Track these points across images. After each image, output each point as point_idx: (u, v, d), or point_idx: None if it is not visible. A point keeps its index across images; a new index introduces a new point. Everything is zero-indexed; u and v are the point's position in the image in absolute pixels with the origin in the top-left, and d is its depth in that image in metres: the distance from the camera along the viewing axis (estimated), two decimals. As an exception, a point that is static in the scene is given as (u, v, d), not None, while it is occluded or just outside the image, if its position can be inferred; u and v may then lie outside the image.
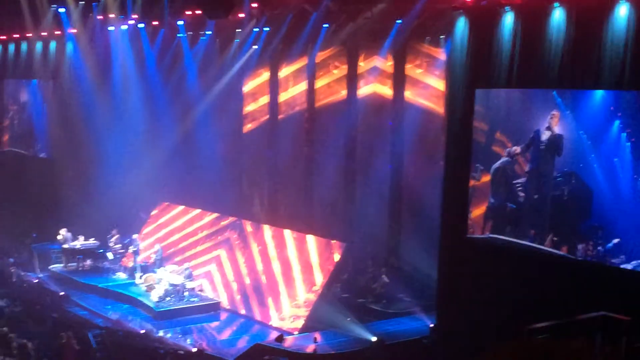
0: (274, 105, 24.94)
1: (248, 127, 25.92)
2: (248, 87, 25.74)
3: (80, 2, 25.08)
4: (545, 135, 15.49)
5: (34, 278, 22.70)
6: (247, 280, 21.06)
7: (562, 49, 15.04)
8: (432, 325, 18.04)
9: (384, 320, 19.17)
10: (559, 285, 15.18)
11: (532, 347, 9.89)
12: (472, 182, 16.94)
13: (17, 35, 30.32)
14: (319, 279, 19.62)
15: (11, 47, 31.23)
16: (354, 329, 18.08)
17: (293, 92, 24.60)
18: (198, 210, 23.91)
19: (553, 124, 15.35)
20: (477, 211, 16.90)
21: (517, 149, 16.02)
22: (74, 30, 27.02)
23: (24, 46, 30.37)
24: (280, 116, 24.92)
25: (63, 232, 23.76)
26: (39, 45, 29.43)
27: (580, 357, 9.69)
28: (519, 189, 16.04)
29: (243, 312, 20.63)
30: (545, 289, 15.26)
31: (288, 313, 19.61)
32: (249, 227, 22.11)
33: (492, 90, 16.55)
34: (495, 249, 16.51)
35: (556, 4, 15.07)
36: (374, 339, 17.37)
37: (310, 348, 17.02)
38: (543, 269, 15.59)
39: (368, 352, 16.99)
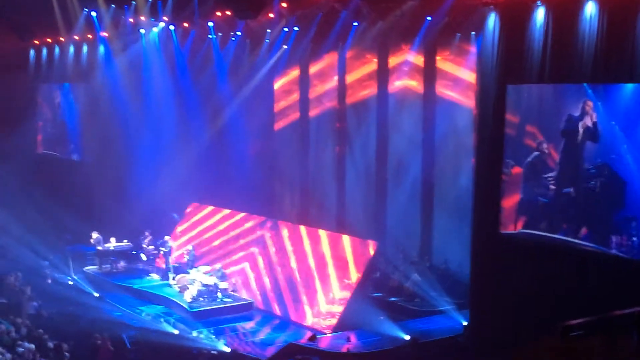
0: (304, 103, 24.96)
1: (279, 124, 25.92)
2: (279, 84, 25.76)
3: (112, 5, 25.26)
4: (579, 124, 15.25)
5: (68, 280, 22.89)
6: (279, 280, 21.06)
7: (594, 43, 14.81)
8: (465, 323, 17.90)
9: (417, 319, 19.10)
10: (593, 280, 14.97)
11: (567, 345, 9.74)
12: (504, 178, 16.77)
13: (50, 40, 30.70)
14: (351, 278, 19.57)
15: (44, 52, 31.64)
16: (387, 327, 18.00)
17: (323, 89, 24.58)
18: (230, 211, 23.97)
19: (587, 111, 15.11)
20: (510, 207, 16.71)
21: (549, 145, 15.81)
22: (106, 33, 27.26)
23: (56, 50, 30.75)
24: (311, 114, 24.91)
25: (95, 235, 23.97)
26: (71, 49, 29.75)
27: (618, 354, 9.53)
28: (551, 182, 15.85)
29: (276, 311, 20.63)
30: (579, 284, 15.06)
31: (322, 310, 19.55)
32: (280, 226, 22.10)
33: (523, 86, 16.38)
34: (528, 245, 16.33)
35: (588, -2, 14.88)
36: (407, 337, 17.28)
37: (343, 347, 16.98)
38: (577, 264, 15.38)
39: (401, 350, 16.91)
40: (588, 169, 15.12)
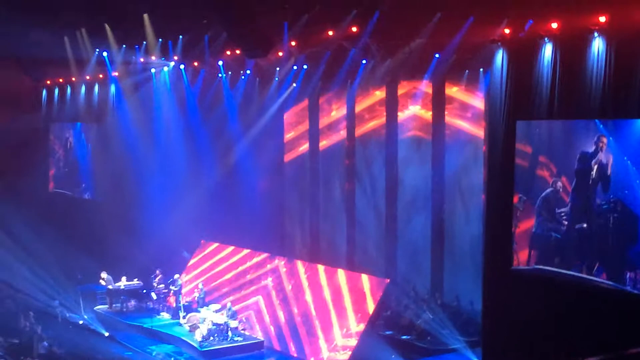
0: (314, 139, 25.03)
1: (289, 162, 25.98)
2: (288, 115, 25.84)
3: (123, 46, 25.54)
4: (592, 161, 15.19)
5: (79, 319, 22.84)
6: (289, 317, 20.95)
7: (602, 79, 14.83)
8: (478, 361, 17.75)
9: (429, 357, 18.91)
10: (608, 317, 14.77)
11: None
12: (516, 214, 16.69)
13: (62, 80, 31.00)
14: (361, 316, 19.44)
15: (56, 91, 31.94)
16: (399, 366, 17.88)
17: (332, 126, 24.67)
18: (241, 248, 23.95)
19: (601, 147, 15.06)
20: (522, 242, 16.61)
21: (559, 182, 15.76)
22: (117, 73, 27.53)
23: (68, 90, 31.04)
24: (320, 150, 24.97)
25: (104, 275, 23.99)
26: (83, 89, 30.04)
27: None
28: (564, 217, 15.75)
29: (286, 351, 20.48)
30: (594, 321, 14.86)
31: (340, 343, 19.42)
32: (290, 265, 22.05)
33: (533, 121, 16.38)
34: (541, 281, 16.18)
35: (596, 34, 14.92)
36: (419, 376, 17.15)
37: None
38: (591, 300, 15.19)
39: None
40: (601, 204, 15.03)
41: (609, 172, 14.84)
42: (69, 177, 31.98)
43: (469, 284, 20.19)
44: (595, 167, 15.11)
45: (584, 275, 15.34)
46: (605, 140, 14.92)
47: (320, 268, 21.31)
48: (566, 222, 15.69)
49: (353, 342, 19.14)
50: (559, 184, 15.77)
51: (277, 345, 20.82)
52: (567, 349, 14.66)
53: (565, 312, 15.51)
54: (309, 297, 20.92)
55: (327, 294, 20.53)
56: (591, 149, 15.17)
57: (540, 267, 16.27)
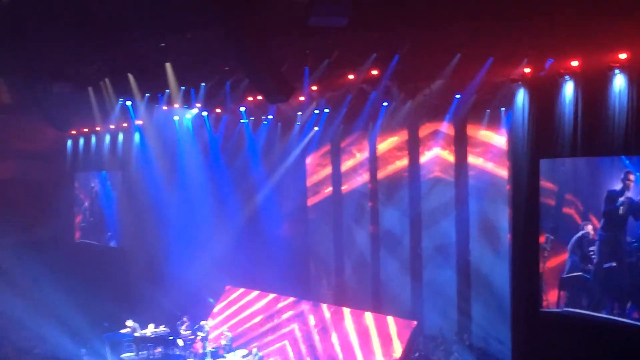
0: (337, 183, 25.07)
1: (313, 206, 26.01)
2: (311, 159, 25.91)
3: (146, 95, 25.85)
4: (620, 199, 15.08)
5: (106, 367, 22.83)
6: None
7: (626, 115, 14.82)
8: (509, 404, 17.48)
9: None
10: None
11: None
12: (543, 255, 16.54)
13: (87, 129, 31.39)
14: (390, 358, 19.25)
15: (81, 141, 32.33)
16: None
17: (355, 169, 24.71)
18: (266, 293, 23.89)
19: (629, 186, 14.96)
20: (551, 283, 16.43)
21: (589, 226, 15.62)
22: (140, 122, 27.85)
23: (93, 139, 31.41)
24: (343, 192, 24.97)
25: (130, 323, 23.98)
26: (107, 138, 30.40)
27: None
28: (593, 257, 15.61)
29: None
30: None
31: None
32: (317, 310, 21.96)
33: (557, 159, 16.33)
34: (571, 323, 15.98)
35: (617, 71, 14.93)
36: (449, 420, 16.90)
37: None
38: (623, 341, 14.98)
39: None
40: (631, 242, 14.88)
41: (637, 209, 14.72)
42: (94, 226, 32.18)
43: (497, 324, 19.98)
44: (624, 204, 14.98)
45: (616, 318, 15.12)
46: (632, 177, 14.82)
47: (346, 311, 21.22)
48: (596, 262, 15.52)
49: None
50: (590, 226, 15.62)
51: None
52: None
53: (597, 354, 15.28)
54: (335, 340, 20.80)
55: (353, 337, 20.42)
56: (618, 186, 15.07)
57: (570, 309, 16.07)
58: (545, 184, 16.51)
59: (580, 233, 15.82)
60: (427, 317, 21.99)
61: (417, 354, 20.72)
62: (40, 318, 24.73)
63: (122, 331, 24.02)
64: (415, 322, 19.82)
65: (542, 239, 16.53)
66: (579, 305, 15.93)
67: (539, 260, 16.61)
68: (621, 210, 14.99)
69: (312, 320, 21.77)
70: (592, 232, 15.54)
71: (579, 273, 15.93)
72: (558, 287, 16.36)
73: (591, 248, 15.67)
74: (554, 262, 16.38)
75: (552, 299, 16.42)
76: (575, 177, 16.02)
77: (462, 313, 21.49)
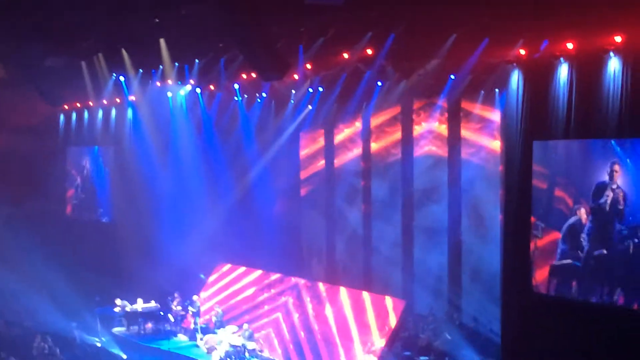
0: (330, 163, 25.09)
1: (305, 187, 26.05)
2: (305, 151, 25.95)
3: (140, 70, 25.78)
4: (607, 190, 15.13)
5: (96, 341, 22.87)
6: (308, 340, 20.89)
7: (619, 98, 14.86)
8: (497, 382, 17.65)
9: (447, 379, 18.85)
10: (630, 343, 14.67)
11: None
12: (534, 240, 16.60)
13: (79, 104, 31.30)
14: (380, 337, 19.39)
15: (73, 116, 32.24)
16: (417, 388, 17.78)
17: (348, 150, 24.75)
18: (258, 271, 23.97)
19: (615, 177, 15.03)
20: (541, 269, 16.50)
21: (582, 210, 15.68)
22: (134, 97, 27.78)
23: (85, 114, 31.32)
24: (336, 169, 25.00)
25: (119, 302, 24.08)
26: (100, 113, 30.32)
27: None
28: (584, 244, 15.69)
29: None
30: (616, 347, 14.77)
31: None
32: (308, 287, 22.06)
33: (549, 142, 16.37)
34: (561, 307, 16.09)
35: (611, 54, 14.96)
36: (437, 398, 17.06)
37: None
38: (613, 325, 15.09)
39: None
40: (621, 230, 14.96)
41: (625, 198, 14.79)
42: (86, 202, 32.17)
43: (487, 305, 20.12)
44: (612, 194, 15.05)
45: (605, 305, 15.21)
46: (618, 167, 14.87)
47: (337, 289, 21.28)
48: (586, 249, 15.61)
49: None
50: (582, 210, 15.67)
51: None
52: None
53: (587, 337, 15.40)
54: (325, 319, 20.88)
55: (343, 316, 20.49)
56: (605, 177, 15.10)
57: (560, 295, 16.15)
58: (537, 167, 16.55)
59: (572, 219, 15.88)
60: (418, 297, 22.13)
61: (406, 333, 20.87)
62: (31, 292, 24.80)
63: (115, 310, 24.11)
64: (405, 301, 19.91)
65: (532, 225, 16.57)
66: (568, 292, 16.02)
67: (529, 242, 16.70)
68: (609, 199, 15.06)
69: (302, 298, 21.87)
70: (584, 217, 15.61)
71: (569, 261, 16.01)
72: (548, 273, 16.44)
73: (582, 235, 15.74)
74: (545, 245, 16.46)
75: (542, 282, 16.52)
76: (568, 162, 16.07)
77: (453, 292, 21.62)
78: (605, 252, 15.29)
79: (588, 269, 15.60)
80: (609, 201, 15.13)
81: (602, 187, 15.25)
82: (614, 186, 15.02)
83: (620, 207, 14.93)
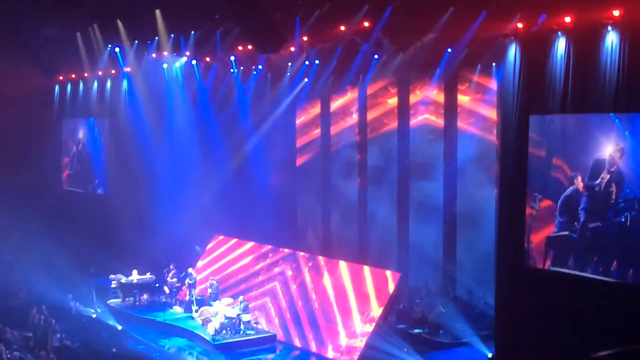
0: (325, 135, 25.08)
1: (301, 156, 26.05)
2: (300, 120, 25.93)
3: (135, 41, 25.65)
4: (608, 168, 15.08)
5: (92, 313, 22.95)
6: (303, 312, 20.98)
7: (617, 72, 14.80)
8: (490, 355, 17.75)
9: (441, 351, 18.97)
10: (624, 314, 14.74)
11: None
12: (530, 212, 16.63)
13: (74, 76, 31.15)
14: (374, 309, 19.46)
15: (69, 87, 32.10)
16: (411, 360, 17.92)
17: (344, 120, 24.73)
18: (252, 243, 24.02)
19: (617, 157, 14.97)
20: (539, 242, 16.54)
21: (579, 178, 15.67)
22: (129, 69, 27.66)
23: (81, 86, 31.19)
24: (332, 145, 25.01)
25: (113, 276, 24.17)
26: (95, 85, 30.19)
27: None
28: (581, 217, 15.70)
29: (299, 344, 20.55)
30: (609, 318, 14.84)
31: (344, 344, 19.46)
32: (303, 258, 22.11)
33: (546, 117, 16.34)
34: (555, 278, 16.15)
35: (609, 28, 14.90)
36: (431, 370, 17.19)
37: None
38: (608, 297, 15.16)
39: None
40: (618, 202, 14.97)
41: (623, 173, 14.78)
42: (82, 173, 32.14)
43: (481, 278, 20.23)
44: (608, 176, 15.02)
45: (600, 277, 15.27)
46: (622, 147, 14.79)
47: (332, 261, 21.32)
48: (583, 222, 15.62)
49: (360, 342, 19.10)
50: (579, 178, 15.65)
51: (289, 339, 20.87)
52: (580, 344, 14.66)
53: (580, 308, 15.48)
54: (321, 292, 20.91)
55: (335, 288, 20.55)
56: (605, 153, 15.05)
57: (556, 269, 16.20)
58: (534, 140, 16.52)
59: (569, 190, 15.88)
60: (413, 270, 22.22)
61: (401, 306, 21.00)
62: (27, 263, 24.83)
63: (111, 286, 24.19)
64: (399, 274, 19.98)
65: (529, 198, 16.59)
66: (564, 264, 16.04)
67: (525, 215, 16.73)
68: (605, 181, 15.05)
69: (296, 270, 21.91)
70: (581, 186, 15.60)
71: (566, 232, 16.03)
72: (544, 245, 16.46)
73: (579, 207, 15.74)
74: (542, 221, 16.47)
75: (537, 254, 16.56)
76: (564, 135, 16.04)
77: (448, 265, 21.73)
78: (601, 224, 15.29)
79: (584, 241, 15.62)
80: (604, 182, 15.10)
81: (599, 164, 15.21)
82: (613, 168, 14.96)
83: (618, 181, 14.90)
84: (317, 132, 25.45)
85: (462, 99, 21.52)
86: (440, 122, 22.02)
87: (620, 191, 14.84)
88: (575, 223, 15.75)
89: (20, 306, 22.80)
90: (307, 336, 20.43)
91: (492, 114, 20.46)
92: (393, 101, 23.21)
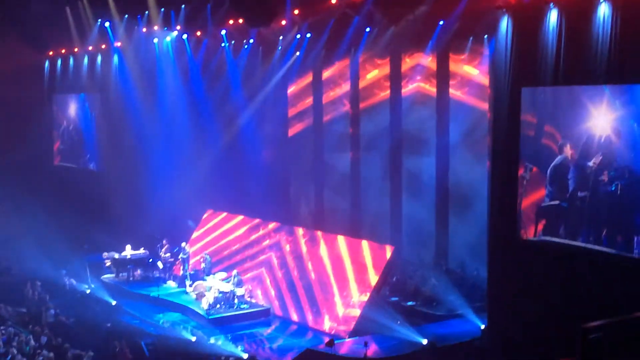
0: (318, 108, 25.04)
1: (293, 130, 26.01)
2: (292, 89, 25.83)
3: (125, 16, 25.47)
4: (601, 140, 15.07)
5: (86, 288, 23.00)
6: (299, 282, 21.03)
7: (609, 44, 14.77)
8: (483, 326, 17.87)
9: (434, 323, 19.06)
10: (615, 283, 14.82)
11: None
12: (522, 182, 16.66)
13: (64, 51, 30.96)
14: (367, 282, 19.56)
15: (59, 63, 31.92)
16: (405, 332, 17.99)
17: (337, 94, 24.67)
18: (246, 217, 24.02)
19: (608, 127, 14.93)
20: (530, 211, 16.60)
21: (568, 146, 15.67)
22: (120, 44, 27.49)
23: (71, 61, 31.02)
24: (325, 119, 24.99)
25: (106, 254, 24.22)
26: (85, 60, 30.02)
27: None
28: (571, 186, 15.74)
29: (295, 314, 20.65)
30: (601, 288, 14.92)
31: (341, 313, 19.53)
32: (295, 232, 22.15)
33: (538, 89, 16.32)
34: (547, 249, 16.22)
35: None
36: (424, 342, 17.27)
37: (360, 352, 16.96)
38: (599, 267, 15.23)
39: (419, 355, 16.89)
40: (608, 172, 15.00)
41: (615, 142, 14.79)
42: (73, 148, 32.07)
43: (474, 250, 20.31)
44: (602, 141, 15.02)
45: (591, 246, 15.34)
46: (612, 115, 14.80)
47: (327, 235, 21.37)
48: (574, 191, 15.66)
49: (356, 311, 19.25)
50: (568, 146, 15.65)
51: (282, 313, 20.96)
52: (572, 315, 14.75)
53: (572, 279, 15.58)
54: (311, 264, 21.01)
55: (329, 261, 20.62)
56: (603, 132, 15.03)
57: (547, 238, 16.27)
58: (525, 112, 16.51)
59: (558, 159, 15.90)
60: (406, 243, 22.28)
61: (394, 279, 21.07)
62: (20, 239, 24.83)
63: (105, 264, 24.23)
64: (392, 247, 20.05)
65: (521, 170, 16.62)
66: (555, 233, 16.11)
67: (517, 187, 16.76)
68: (597, 142, 15.06)
69: (289, 245, 21.97)
70: (570, 154, 15.60)
71: (557, 202, 16.08)
72: (535, 215, 16.52)
73: (568, 175, 15.77)
74: (533, 190, 16.52)
75: (530, 227, 16.61)
76: (556, 105, 16.01)
77: (440, 238, 21.80)
78: (591, 193, 15.33)
79: (574, 210, 15.67)
80: (598, 159, 15.11)
81: (591, 139, 15.19)
82: (603, 139, 14.93)
83: (609, 152, 14.91)
84: (309, 104, 25.37)
85: (455, 70, 21.45)
86: (432, 93, 21.96)
87: (611, 161, 14.86)
88: (565, 192, 15.79)
89: (13, 282, 22.85)
90: (304, 306, 20.52)
91: (484, 83, 20.41)
92: (385, 73, 23.12)
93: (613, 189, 14.86)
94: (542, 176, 16.26)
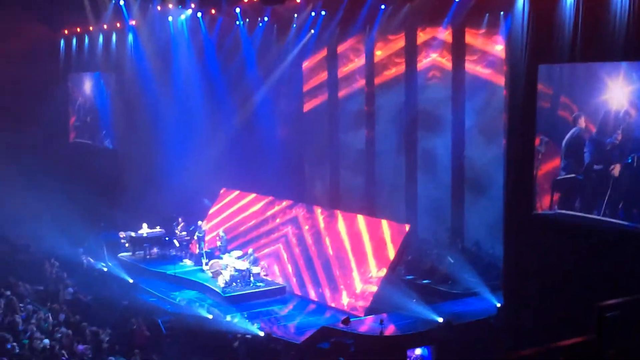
0: (333, 86, 24.93)
1: (308, 108, 25.95)
2: (306, 64, 25.72)
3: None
4: (619, 114, 14.92)
5: (103, 266, 23.16)
6: (316, 258, 21.06)
7: (626, 20, 14.59)
8: (499, 305, 17.85)
9: (450, 301, 19.05)
10: (631, 259, 14.74)
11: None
12: (537, 155, 16.54)
13: (79, 29, 30.98)
14: (383, 261, 19.57)
15: (74, 41, 31.95)
16: (420, 310, 18.00)
17: (351, 72, 24.55)
18: (262, 196, 24.05)
19: (625, 100, 14.78)
20: (546, 184, 16.49)
21: (582, 118, 15.52)
22: (134, 22, 27.46)
23: (86, 40, 31.04)
24: (340, 96, 24.88)
25: (122, 234, 24.40)
26: (100, 38, 30.03)
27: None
28: (588, 159, 15.60)
29: (312, 290, 20.70)
30: (617, 264, 14.81)
31: (359, 289, 19.57)
32: (310, 210, 22.16)
33: (554, 66, 16.16)
34: (562, 225, 16.10)
35: (620, -26, 14.65)
36: (440, 320, 17.28)
37: (377, 330, 17.01)
38: (615, 242, 15.12)
39: (435, 333, 16.91)
40: (625, 143, 14.84)
41: (632, 114, 14.65)
42: (88, 126, 32.19)
43: (489, 228, 20.25)
44: (619, 113, 14.86)
45: (606, 218, 15.25)
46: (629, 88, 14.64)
47: (341, 214, 21.39)
48: (590, 164, 15.53)
49: (373, 287, 19.30)
50: (582, 119, 15.51)
51: (298, 291, 21.04)
52: (589, 292, 14.69)
53: (588, 255, 15.48)
54: (328, 242, 21.04)
55: (346, 239, 20.63)
56: (614, 93, 14.90)
57: (563, 211, 16.18)
58: (542, 88, 16.37)
59: (574, 130, 15.76)
60: (421, 221, 22.25)
61: (410, 257, 21.07)
62: (37, 218, 24.98)
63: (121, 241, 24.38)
64: (408, 225, 20.03)
65: (537, 142, 16.51)
66: (571, 207, 16.01)
67: (533, 163, 16.62)
68: (614, 116, 14.91)
69: (306, 223, 21.99)
70: (584, 126, 15.47)
71: (572, 175, 15.95)
72: (551, 189, 16.41)
73: (585, 149, 15.63)
74: (549, 165, 16.40)
75: (545, 201, 16.52)
76: (572, 79, 15.85)
77: (456, 217, 21.73)
78: (607, 165, 15.20)
79: (590, 183, 15.55)
80: (613, 114, 14.95)
81: (608, 114, 15.04)
82: (621, 114, 14.78)
83: (626, 125, 14.75)
84: (324, 83, 25.27)
85: (471, 47, 21.27)
86: (448, 71, 21.81)
87: (630, 135, 14.72)
88: (581, 165, 15.67)
89: (31, 260, 23.04)
90: (321, 282, 20.57)
91: (501, 63, 20.25)
92: (400, 52, 22.96)
93: (629, 160, 14.73)
94: (557, 148, 16.15)
